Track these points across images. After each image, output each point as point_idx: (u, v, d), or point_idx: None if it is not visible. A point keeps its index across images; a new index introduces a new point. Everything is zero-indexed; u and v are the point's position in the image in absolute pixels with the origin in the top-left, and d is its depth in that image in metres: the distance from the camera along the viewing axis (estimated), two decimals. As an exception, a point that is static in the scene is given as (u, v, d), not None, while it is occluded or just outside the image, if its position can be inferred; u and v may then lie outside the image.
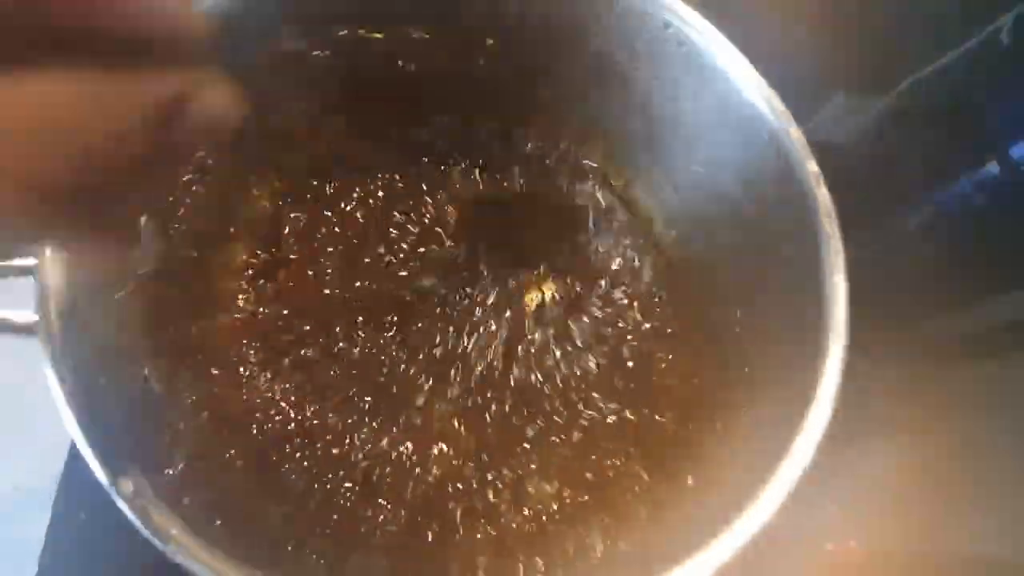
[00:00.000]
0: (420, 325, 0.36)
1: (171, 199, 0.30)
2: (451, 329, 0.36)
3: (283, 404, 0.33)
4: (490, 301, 0.37)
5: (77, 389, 0.21)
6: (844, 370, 0.25)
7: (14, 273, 0.24)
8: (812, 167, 0.29)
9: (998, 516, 0.43)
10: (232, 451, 0.29)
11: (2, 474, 0.35)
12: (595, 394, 0.36)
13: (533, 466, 0.34)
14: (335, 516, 0.30)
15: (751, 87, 0.31)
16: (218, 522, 0.23)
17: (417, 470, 0.32)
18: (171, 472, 0.24)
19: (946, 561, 0.41)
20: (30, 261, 0.22)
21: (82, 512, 0.34)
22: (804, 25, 0.61)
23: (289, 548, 0.27)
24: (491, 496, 0.32)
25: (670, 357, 0.37)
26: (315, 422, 0.33)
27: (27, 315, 0.23)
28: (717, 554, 0.22)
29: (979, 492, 0.44)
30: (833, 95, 0.59)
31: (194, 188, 0.31)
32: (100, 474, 0.20)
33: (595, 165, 0.41)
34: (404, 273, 0.38)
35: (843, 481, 0.41)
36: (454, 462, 0.33)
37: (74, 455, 0.35)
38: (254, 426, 0.32)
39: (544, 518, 0.32)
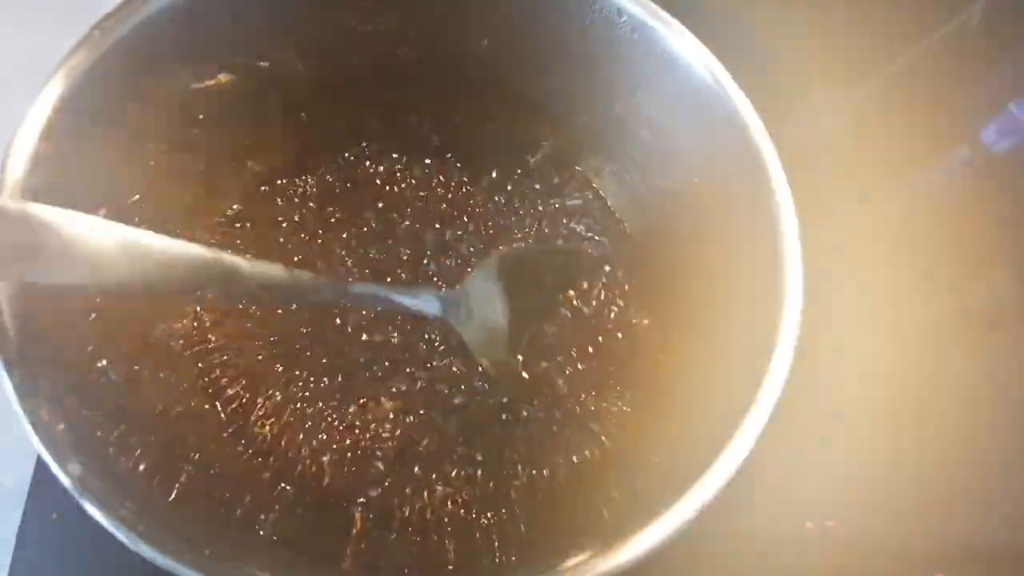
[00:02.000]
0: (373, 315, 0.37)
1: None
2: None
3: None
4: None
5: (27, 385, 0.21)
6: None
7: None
8: (767, 144, 0.29)
9: (982, 498, 0.43)
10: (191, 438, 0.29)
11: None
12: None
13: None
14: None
15: (704, 68, 0.32)
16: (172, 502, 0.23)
17: (378, 449, 0.33)
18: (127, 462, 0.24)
19: (928, 543, 0.41)
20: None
21: (54, 512, 0.34)
22: (777, 21, 0.62)
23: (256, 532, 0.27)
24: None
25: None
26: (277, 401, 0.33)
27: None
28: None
29: (963, 474, 0.44)
30: (808, 90, 0.60)
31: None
32: (47, 458, 0.20)
33: (557, 154, 0.42)
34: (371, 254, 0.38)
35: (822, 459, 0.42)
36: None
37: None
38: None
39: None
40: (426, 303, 0.33)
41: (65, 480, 0.20)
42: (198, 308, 0.34)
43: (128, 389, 0.26)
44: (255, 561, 0.21)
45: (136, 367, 0.27)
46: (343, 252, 0.38)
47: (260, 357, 0.34)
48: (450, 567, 0.27)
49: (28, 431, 0.20)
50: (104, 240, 0.19)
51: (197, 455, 0.27)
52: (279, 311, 0.35)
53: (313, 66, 0.35)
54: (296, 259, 0.37)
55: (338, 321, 0.36)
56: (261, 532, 0.25)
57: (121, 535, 0.19)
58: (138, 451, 0.24)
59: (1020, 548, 0.42)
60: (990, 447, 0.46)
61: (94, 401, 0.24)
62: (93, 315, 0.26)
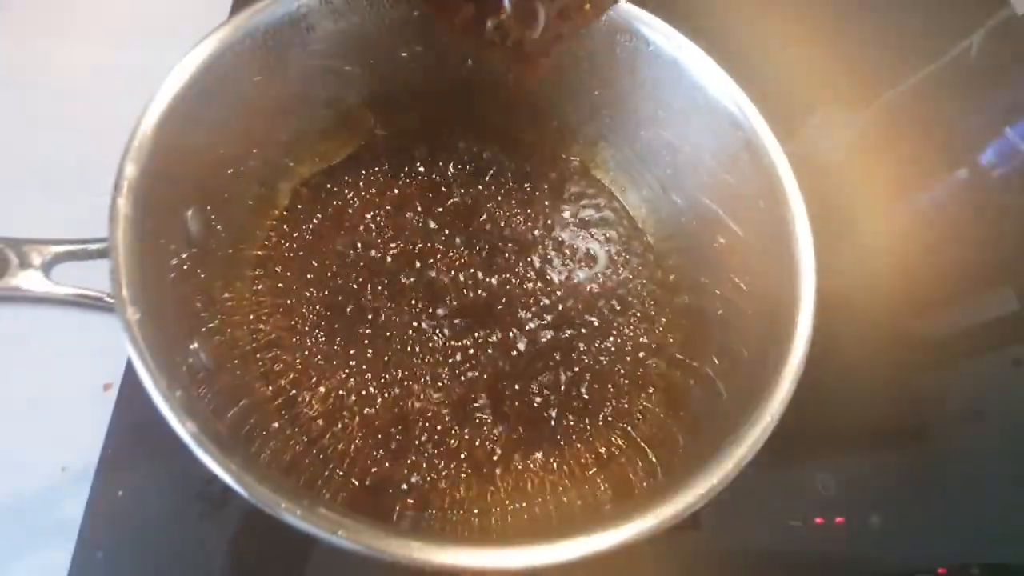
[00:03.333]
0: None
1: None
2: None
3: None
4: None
5: (147, 348, 0.24)
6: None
7: (90, 256, 0.27)
8: (776, 148, 0.33)
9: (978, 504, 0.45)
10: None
11: (50, 457, 0.38)
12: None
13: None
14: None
15: (726, 96, 0.35)
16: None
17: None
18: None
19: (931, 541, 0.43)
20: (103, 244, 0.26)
21: (119, 490, 0.37)
22: (788, 45, 0.64)
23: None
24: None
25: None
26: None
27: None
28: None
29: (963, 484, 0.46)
30: (816, 110, 0.63)
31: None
32: (171, 419, 0.23)
33: (583, 165, 0.45)
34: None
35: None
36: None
37: (111, 436, 0.38)
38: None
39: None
40: None
41: (185, 435, 0.23)
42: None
43: (215, 371, 0.30)
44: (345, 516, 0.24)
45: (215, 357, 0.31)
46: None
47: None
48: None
49: (157, 399, 0.23)
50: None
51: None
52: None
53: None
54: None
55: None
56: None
57: (234, 483, 0.22)
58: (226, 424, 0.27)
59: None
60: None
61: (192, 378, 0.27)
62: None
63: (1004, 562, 0.43)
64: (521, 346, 0.39)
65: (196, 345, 0.29)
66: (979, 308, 0.54)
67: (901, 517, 0.43)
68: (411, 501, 0.33)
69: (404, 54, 0.39)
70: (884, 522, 0.43)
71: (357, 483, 0.33)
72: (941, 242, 0.56)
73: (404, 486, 0.33)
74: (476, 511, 0.33)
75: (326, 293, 0.39)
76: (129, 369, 0.39)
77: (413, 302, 0.40)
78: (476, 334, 0.39)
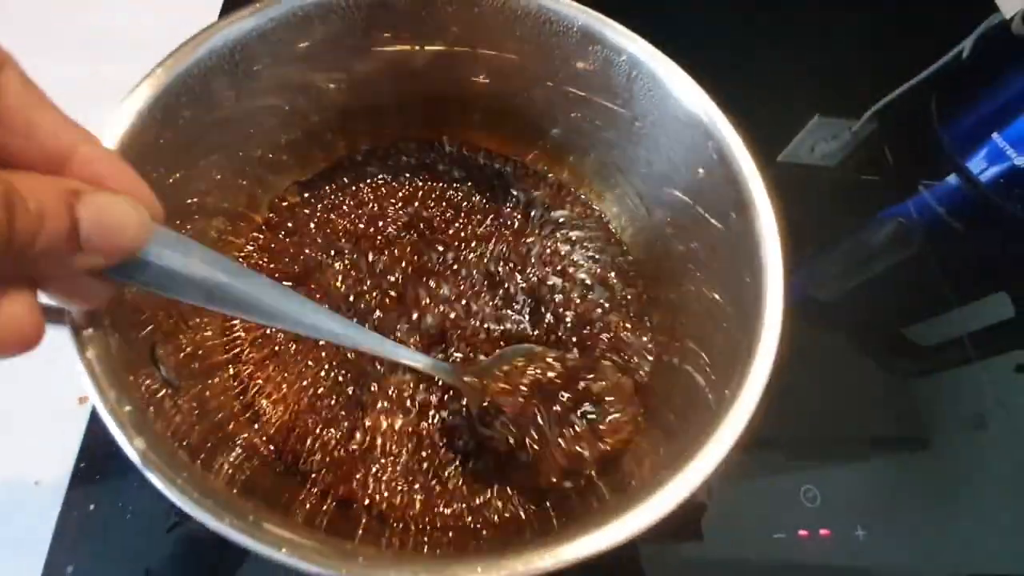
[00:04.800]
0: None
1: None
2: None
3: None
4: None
5: (98, 363, 0.24)
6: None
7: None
8: (746, 158, 0.32)
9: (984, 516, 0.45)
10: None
11: (24, 470, 0.38)
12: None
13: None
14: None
15: (697, 106, 0.35)
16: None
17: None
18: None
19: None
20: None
21: (91, 504, 0.37)
22: (779, 56, 0.64)
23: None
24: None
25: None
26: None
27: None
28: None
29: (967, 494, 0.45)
30: (807, 119, 0.63)
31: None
32: (117, 435, 0.23)
33: (561, 181, 0.45)
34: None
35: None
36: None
37: (84, 450, 0.38)
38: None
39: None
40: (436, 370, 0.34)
41: (132, 453, 0.23)
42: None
43: (178, 387, 0.30)
44: (295, 532, 0.23)
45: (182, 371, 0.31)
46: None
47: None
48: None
49: (104, 412, 0.23)
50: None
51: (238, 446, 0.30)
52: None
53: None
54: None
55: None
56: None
57: (177, 499, 0.22)
58: (186, 438, 0.27)
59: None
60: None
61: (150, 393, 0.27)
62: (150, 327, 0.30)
63: (1004, 574, 0.42)
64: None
65: (160, 360, 0.29)
66: (976, 314, 0.54)
67: (901, 528, 0.43)
68: (375, 516, 0.33)
69: (377, 67, 0.39)
70: (874, 533, 0.42)
71: (322, 500, 0.32)
72: (932, 247, 0.55)
73: (367, 502, 0.33)
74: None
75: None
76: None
77: (390, 315, 0.39)
78: (449, 350, 0.39)
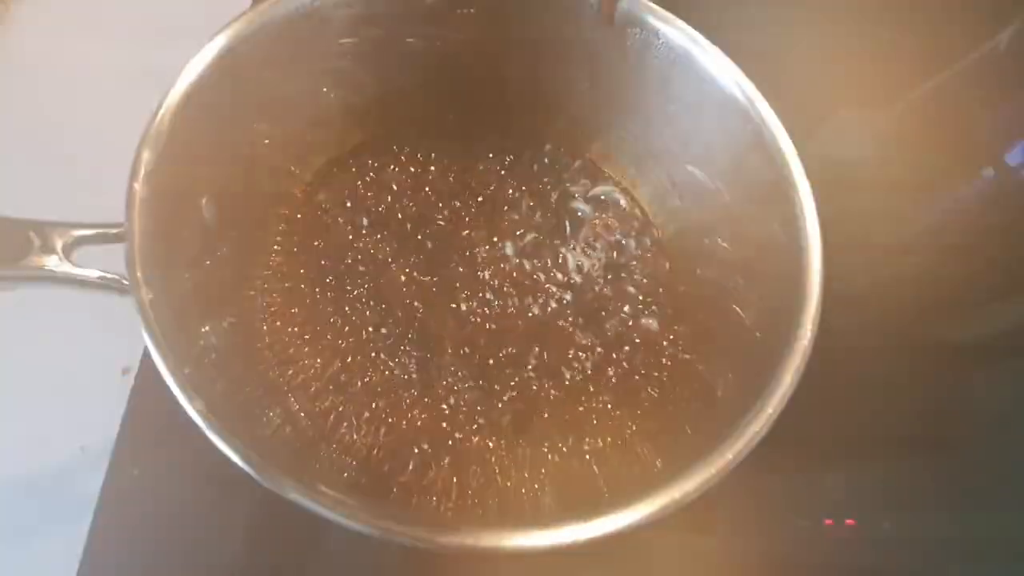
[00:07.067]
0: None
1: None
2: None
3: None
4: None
5: (158, 328, 0.25)
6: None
7: (109, 240, 0.28)
8: (787, 141, 0.33)
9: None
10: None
11: (71, 436, 0.39)
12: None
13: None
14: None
15: (735, 87, 0.35)
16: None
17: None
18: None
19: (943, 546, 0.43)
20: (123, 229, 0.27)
21: (136, 469, 0.38)
22: (808, 42, 0.64)
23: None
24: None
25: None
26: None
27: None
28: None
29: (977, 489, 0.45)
30: (837, 109, 0.62)
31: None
32: (179, 396, 0.24)
33: (595, 164, 0.46)
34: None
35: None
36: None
37: (128, 418, 0.39)
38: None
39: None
40: None
41: (192, 412, 0.23)
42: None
43: (225, 354, 0.31)
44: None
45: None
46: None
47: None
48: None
49: (167, 376, 0.24)
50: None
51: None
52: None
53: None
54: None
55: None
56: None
57: (239, 460, 0.23)
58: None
59: None
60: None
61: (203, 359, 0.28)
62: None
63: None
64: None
65: (208, 328, 0.30)
66: (1006, 312, 0.53)
67: (915, 523, 0.42)
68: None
69: (417, 45, 0.39)
70: (897, 528, 0.42)
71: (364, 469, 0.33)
72: (965, 243, 0.55)
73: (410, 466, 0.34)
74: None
75: (339, 281, 0.40)
76: (147, 354, 0.40)
77: (432, 291, 0.40)
78: (488, 326, 0.39)
